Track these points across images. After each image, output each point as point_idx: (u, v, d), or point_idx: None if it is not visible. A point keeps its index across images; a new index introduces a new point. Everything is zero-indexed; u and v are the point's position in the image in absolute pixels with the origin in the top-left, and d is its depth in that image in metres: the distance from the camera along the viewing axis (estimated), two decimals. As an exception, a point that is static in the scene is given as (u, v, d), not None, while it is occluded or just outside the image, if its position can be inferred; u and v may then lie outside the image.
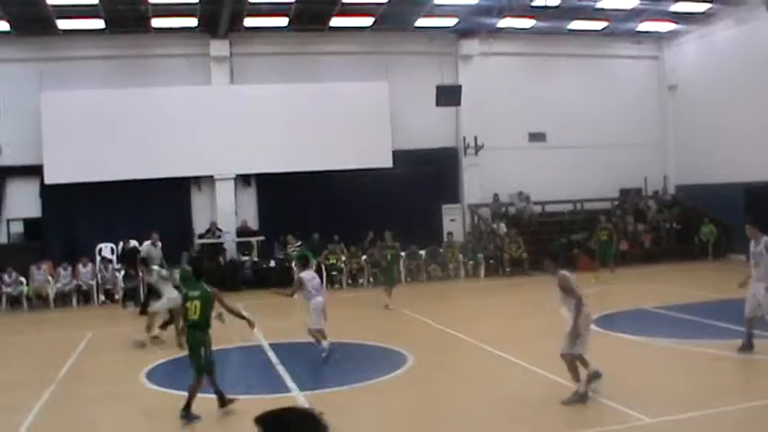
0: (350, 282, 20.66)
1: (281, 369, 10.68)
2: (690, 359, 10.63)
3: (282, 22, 21.45)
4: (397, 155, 22.22)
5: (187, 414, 8.11)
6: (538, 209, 24.06)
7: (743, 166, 21.93)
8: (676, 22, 24.35)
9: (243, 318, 8.97)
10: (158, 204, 21.16)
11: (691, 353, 10.89)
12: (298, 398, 9.03)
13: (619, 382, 8.97)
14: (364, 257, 20.75)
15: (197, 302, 8.35)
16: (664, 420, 7.74)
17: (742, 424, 7.69)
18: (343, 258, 20.76)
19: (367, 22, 21.94)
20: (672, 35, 25.34)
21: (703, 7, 22.95)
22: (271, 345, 12.30)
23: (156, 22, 20.57)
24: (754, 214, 13.34)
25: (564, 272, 8.35)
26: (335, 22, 21.73)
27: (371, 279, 20.33)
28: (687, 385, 9.25)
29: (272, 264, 20.92)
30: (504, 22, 22.63)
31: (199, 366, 8.26)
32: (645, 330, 12.26)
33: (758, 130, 21.65)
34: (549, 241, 21.36)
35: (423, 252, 21.16)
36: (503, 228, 22.66)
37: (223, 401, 8.44)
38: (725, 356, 10.37)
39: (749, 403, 8.14)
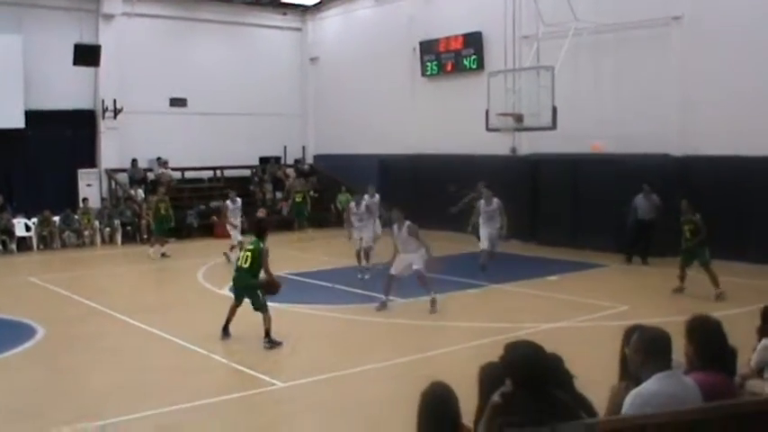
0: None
1: None
2: (322, 324, 14.83)
3: None
4: (30, 115, 27.42)
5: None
6: (177, 175, 30.94)
7: (377, 138, 31.08)
8: (320, -4, 32.74)
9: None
10: None
11: (324, 318, 15.25)
12: None
13: (253, 348, 12.64)
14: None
15: (248, 254, 13.20)
16: (295, 384, 10.75)
17: (365, 384, 10.93)
18: (-33, 223, 25.71)
19: (-2, -32, 26.71)
20: (316, 8, 33.95)
21: (346, -17, 31.49)
22: None
23: None
24: (485, 183, 20.76)
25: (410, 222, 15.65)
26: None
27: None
28: (319, 349, 12.96)
29: None
30: (149, -17, 28.97)
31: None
32: (279, 297, 14.61)
33: (391, 106, 30.84)
34: (188, 208, 28.71)
35: (56, 218, 26.73)
36: (141, 194, 29.10)
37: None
38: (353, 320, 14.97)
39: (374, 365, 11.67)
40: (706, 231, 16.51)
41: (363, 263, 19.47)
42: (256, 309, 13.12)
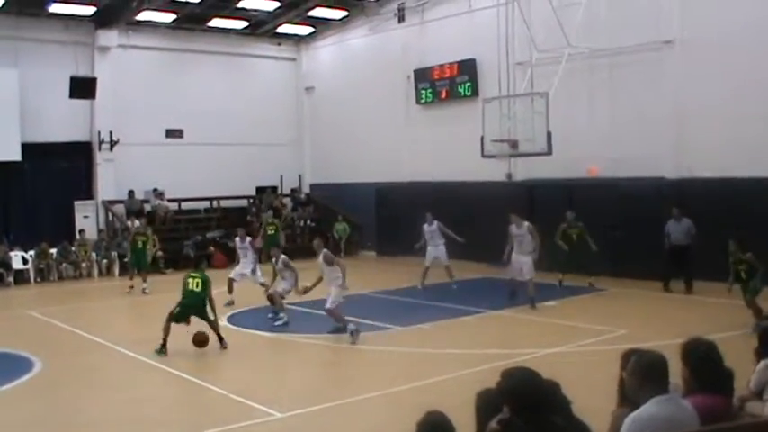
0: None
1: None
2: (320, 353, 14.82)
3: None
4: (27, 148, 27.44)
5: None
6: (173, 206, 30.97)
7: (373, 166, 31.17)
8: (314, 27, 32.92)
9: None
10: None
11: (321, 347, 15.22)
12: None
13: (250, 378, 12.65)
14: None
15: (198, 280, 14.69)
16: (294, 414, 10.65)
17: (363, 414, 10.88)
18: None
19: (-3, 3, 26.76)
20: (310, 38, 34.14)
21: (340, 14, 31.67)
22: None
23: None
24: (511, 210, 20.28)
25: (326, 250, 15.52)
26: (-40, 1, 26.24)
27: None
28: (316, 379, 13.00)
29: None
30: (144, 15, 29.08)
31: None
32: (275, 327, 16.38)
33: (386, 134, 30.95)
34: (184, 239, 28.68)
35: (54, 250, 26.73)
36: (137, 225, 29.01)
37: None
38: (351, 349, 14.82)
39: (372, 393, 11.61)
40: (763, 267, 15.41)
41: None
42: (211, 321, 14.65)
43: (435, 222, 22.10)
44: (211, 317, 14.70)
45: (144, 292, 22.77)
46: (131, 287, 23.07)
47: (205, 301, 14.66)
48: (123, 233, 28.74)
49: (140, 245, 23.71)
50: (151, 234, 25.94)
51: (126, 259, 26.93)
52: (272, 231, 26.78)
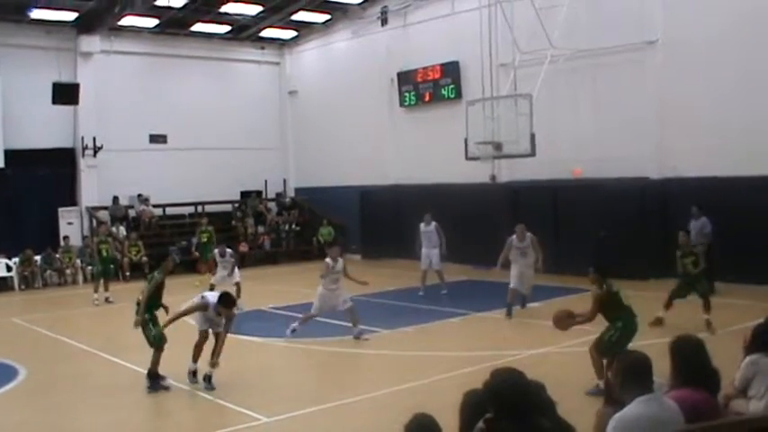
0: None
1: None
2: (306, 357, 14.76)
3: None
4: (10, 154, 27.45)
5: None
6: (158, 211, 30.86)
7: (357, 169, 31.18)
8: (297, 30, 32.92)
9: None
10: None
11: (307, 351, 15.15)
12: None
13: (236, 383, 12.60)
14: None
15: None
16: (280, 419, 10.69)
17: (349, 417, 10.78)
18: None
19: (-25, 10, 26.67)
20: (293, 42, 34.15)
21: (323, 18, 31.66)
22: None
23: None
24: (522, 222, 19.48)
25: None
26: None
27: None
28: (302, 382, 12.96)
29: None
30: (127, 20, 28.99)
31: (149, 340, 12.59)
32: (262, 331, 16.41)
33: (370, 137, 30.98)
34: (170, 244, 28.48)
35: (38, 257, 26.60)
36: (122, 231, 28.97)
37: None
38: (337, 352, 14.83)
39: (359, 396, 11.62)
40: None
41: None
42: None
43: (433, 223, 21.76)
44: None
45: (107, 301, 22.33)
46: (107, 298, 22.54)
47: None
48: (88, 241, 27.78)
49: (104, 253, 23.34)
50: (134, 240, 25.86)
51: (111, 265, 26.45)
52: (206, 239, 26.32)
